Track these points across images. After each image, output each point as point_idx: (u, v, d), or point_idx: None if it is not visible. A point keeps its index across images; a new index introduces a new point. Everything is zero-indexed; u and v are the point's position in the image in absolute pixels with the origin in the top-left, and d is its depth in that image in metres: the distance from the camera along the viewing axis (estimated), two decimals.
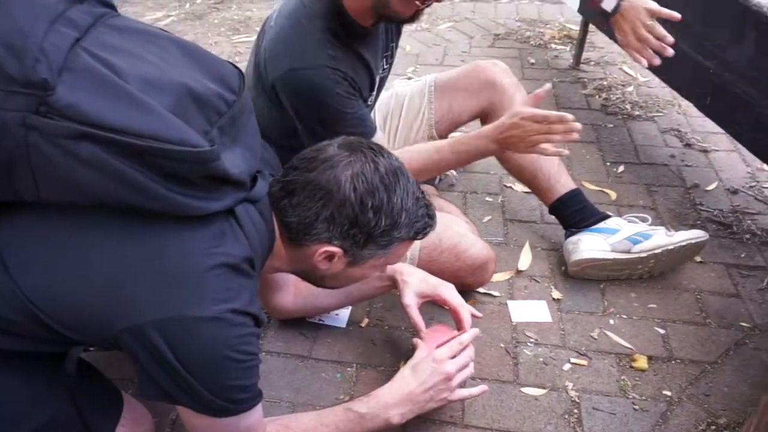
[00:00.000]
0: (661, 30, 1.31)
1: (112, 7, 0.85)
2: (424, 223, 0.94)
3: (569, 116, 1.19)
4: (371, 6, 1.20)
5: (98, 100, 0.71)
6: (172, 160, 0.74)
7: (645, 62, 1.33)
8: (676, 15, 1.29)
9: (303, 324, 1.36)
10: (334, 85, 1.20)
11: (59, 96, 0.69)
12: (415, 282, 1.19)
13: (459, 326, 1.17)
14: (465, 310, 1.17)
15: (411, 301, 1.17)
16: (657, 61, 1.32)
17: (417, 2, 1.18)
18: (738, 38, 1.44)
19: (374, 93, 1.42)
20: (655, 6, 1.32)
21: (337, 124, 1.21)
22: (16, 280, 0.77)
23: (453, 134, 1.79)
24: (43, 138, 0.70)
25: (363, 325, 1.37)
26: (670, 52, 1.30)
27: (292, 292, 1.29)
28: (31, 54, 0.69)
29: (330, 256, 0.91)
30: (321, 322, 1.38)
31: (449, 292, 1.19)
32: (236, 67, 0.90)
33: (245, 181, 0.85)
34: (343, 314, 1.39)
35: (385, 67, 1.46)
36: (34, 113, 0.69)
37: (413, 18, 1.24)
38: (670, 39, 1.29)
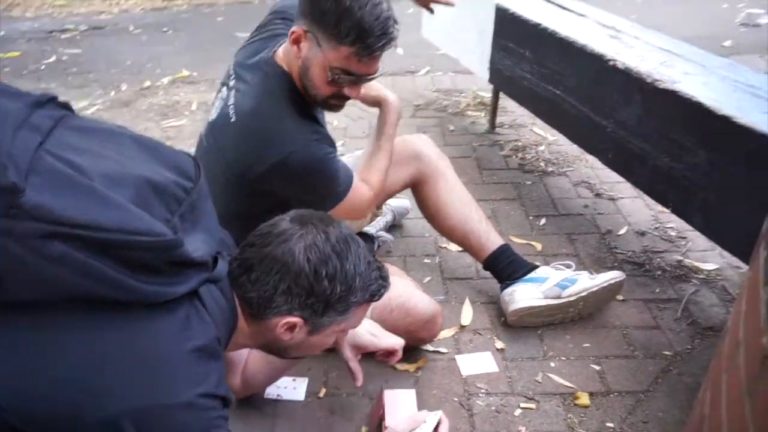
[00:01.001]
0: None
1: (70, 109, 0.91)
2: (378, 285, 1.01)
3: None
4: (302, 85, 1.32)
5: (65, 199, 0.75)
6: (139, 250, 0.78)
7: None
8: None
9: (261, 402, 1.38)
10: (324, 150, 1.33)
11: (28, 198, 0.72)
12: (348, 336, 1.22)
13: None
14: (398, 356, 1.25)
15: (349, 354, 1.23)
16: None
17: (331, 82, 1.29)
18: (627, 101, 1.65)
19: None
20: None
21: (333, 183, 1.35)
22: None
23: (386, 204, 1.91)
24: (12, 240, 0.72)
25: (321, 395, 1.40)
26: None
27: (240, 371, 1.31)
28: (3, 159, 0.73)
29: (291, 327, 0.96)
30: (279, 398, 1.39)
31: (386, 344, 1.25)
32: (191, 156, 0.96)
33: (207, 263, 0.90)
34: (300, 387, 1.42)
35: None
36: (3, 217, 0.72)
37: (336, 105, 1.37)
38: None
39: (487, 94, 3.01)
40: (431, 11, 1.70)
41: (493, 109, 2.67)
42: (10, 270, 0.74)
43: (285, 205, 1.08)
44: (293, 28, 1.27)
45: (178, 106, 3.16)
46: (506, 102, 2.80)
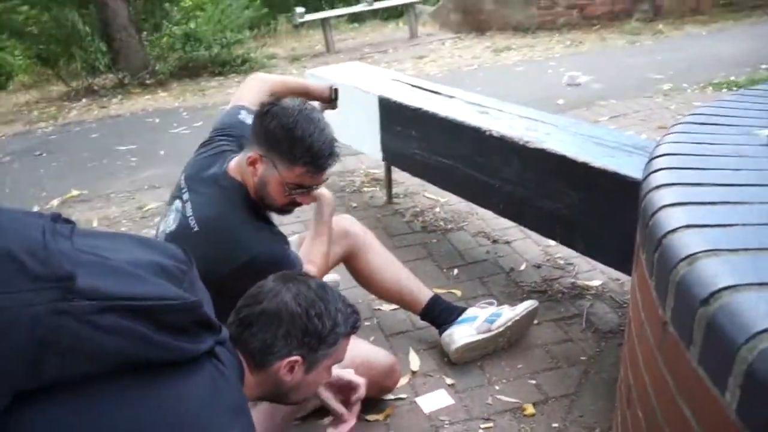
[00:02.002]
0: None
1: (72, 223, 1.05)
2: (354, 318, 1.23)
3: None
4: (258, 196, 1.52)
5: (109, 280, 0.89)
6: (173, 312, 0.93)
7: None
8: None
9: None
10: (283, 248, 1.52)
11: (81, 283, 0.86)
12: None
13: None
14: (363, 386, 1.42)
15: (326, 393, 1.39)
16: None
17: (287, 195, 1.51)
18: (507, 161, 2.02)
19: None
20: None
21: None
22: None
23: (325, 278, 2.10)
24: (72, 319, 0.84)
25: None
26: None
27: None
28: (54, 256, 0.85)
29: (291, 367, 1.13)
30: None
31: (350, 375, 1.43)
32: (180, 246, 1.12)
33: (217, 326, 1.06)
34: None
35: None
36: (62, 300, 0.84)
37: (289, 210, 1.59)
38: None
39: (376, 171, 3.35)
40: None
41: (388, 182, 2.99)
42: (70, 346, 0.85)
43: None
44: (249, 154, 1.49)
45: (79, 225, 3.13)
46: (396, 174, 3.15)
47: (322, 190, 1.75)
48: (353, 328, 1.23)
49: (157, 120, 5.35)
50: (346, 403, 1.43)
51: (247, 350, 1.12)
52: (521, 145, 1.95)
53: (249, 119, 1.66)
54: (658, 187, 1.07)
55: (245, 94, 1.87)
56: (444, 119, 2.26)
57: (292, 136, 1.43)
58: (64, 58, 7.17)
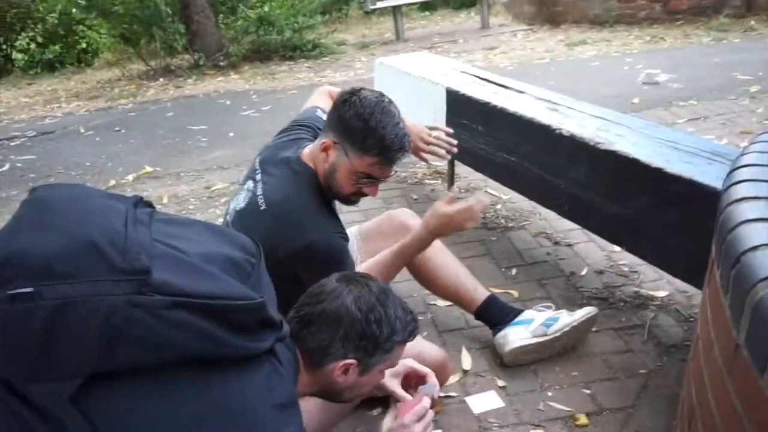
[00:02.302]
0: (444, 136, 1.94)
1: (152, 206, 1.09)
2: (413, 326, 1.22)
3: (484, 201, 1.64)
4: (327, 183, 1.55)
5: (182, 276, 0.93)
6: (239, 312, 0.96)
7: (441, 154, 1.93)
8: (449, 130, 1.97)
9: None
10: (341, 244, 1.54)
11: (156, 277, 0.90)
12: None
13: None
14: (432, 374, 1.42)
15: (394, 383, 1.39)
16: (447, 155, 1.94)
17: (354, 184, 1.52)
18: (574, 161, 1.96)
19: None
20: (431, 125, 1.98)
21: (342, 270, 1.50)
22: None
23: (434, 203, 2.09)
24: (145, 312, 0.89)
25: None
26: (454, 149, 1.94)
27: None
28: (134, 249, 0.90)
29: (346, 370, 1.14)
30: None
31: (413, 362, 1.43)
32: (252, 239, 1.15)
33: (279, 324, 1.08)
34: None
35: None
36: (137, 294, 0.89)
37: (353, 200, 1.60)
38: (453, 141, 1.94)
39: (439, 164, 3.32)
40: (425, 161, 2.03)
41: (451, 176, 2.96)
42: (141, 337, 0.90)
43: (298, 293, 1.24)
44: (323, 140, 1.52)
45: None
46: (459, 168, 3.11)
47: (427, 221, 1.63)
48: (410, 336, 1.22)
49: (228, 102, 5.50)
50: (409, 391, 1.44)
51: (304, 348, 1.14)
52: (591, 146, 1.88)
53: (324, 116, 1.70)
54: (740, 200, 1.00)
55: (317, 100, 1.93)
56: (512, 115, 2.21)
57: (367, 126, 1.46)
58: (145, 38, 7.46)
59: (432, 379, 1.43)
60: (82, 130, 4.91)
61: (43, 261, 0.87)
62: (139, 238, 0.93)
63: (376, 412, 1.63)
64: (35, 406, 0.89)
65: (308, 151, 1.59)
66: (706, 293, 1.15)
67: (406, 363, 1.46)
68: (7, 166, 4.14)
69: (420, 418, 1.28)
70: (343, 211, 2.85)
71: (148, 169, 3.79)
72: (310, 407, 1.44)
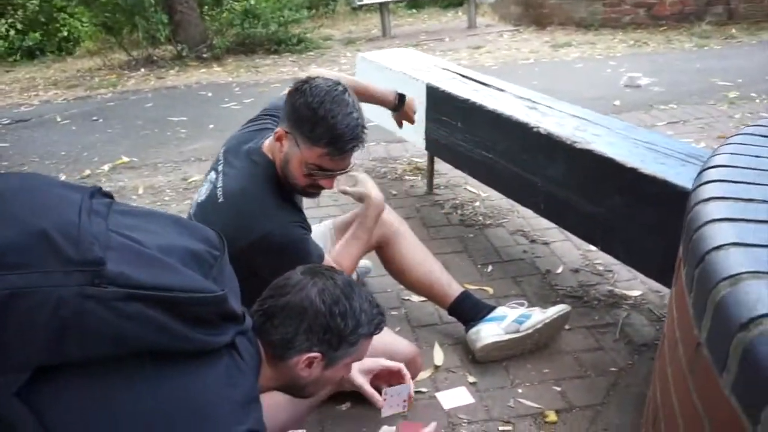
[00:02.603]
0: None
1: (111, 197, 1.06)
2: (379, 319, 1.20)
3: None
4: (283, 174, 1.52)
5: (138, 268, 0.90)
6: (198, 305, 0.94)
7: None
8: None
9: None
10: (299, 232, 1.50)
11: (110, 268, 0.87)
12: (354, 364, 1.39)
13: (404, 380, 1.43)
14: (404, 368, 1.42)
15: (361, 379, 1.39)
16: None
17: (307, 175, 1.49)
18: (551, 160, 1.96)
19: None
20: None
21: (305, 262, 1.44)
22: None
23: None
24: (97, 303, 0.86)
25: None
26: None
27: None
28: (87, 239, 0.88)
29: (310, 363, 1.12)
30: None
31: (385, 360, 1.43)
32: (215, 231, 1.13)
33: (240, 317, 1.05)
34: None
35: None
36: (90, 285, 0.86)
37: (312, 193, 1.57)
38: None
39: (420, 160, 3.32)
40: (400, 126, 2.15)
41: (430, 173, 2.95)
42: (92, 329, 0.87)
43: (260, 285, 1.23)
44: (277, 129, 1.49)
45: (125, 191, 3.23)
46: (439, 165, 3.11)
47: (371, 190, 1.72)
48: (376, 329, 1.21)
49: (210, 94, 5.45)
50: (378, 389, 1.45)
51: (267, 341, 1.12)
52: (568, 145, 1.88)
53: None
54: (707, 199, 1.00)
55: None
56: (490, 112, 2.21)
57: (315, 115, 1.41)
58: (128, 27, 7.36)
59: (405, 376, 1.42)
60: (59, 119, 4.83)
61: None
62: (93, 229, 0.90)
63: (344, 406, 1.61)
64: None
65: (269, 141, 1.56)
66: (673, 292, 1.15)
67: (378, 361, 1.46)
68: None
69: None
70: (319, 205, 2.84)
71: (125, 159, 3.73)
72: (279, 400, 1.42)
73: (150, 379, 0.94)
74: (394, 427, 1.33)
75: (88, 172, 3.56)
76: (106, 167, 3.63)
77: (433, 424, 1.33)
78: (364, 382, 1.41)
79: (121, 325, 0.88)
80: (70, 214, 0.90)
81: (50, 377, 0.90)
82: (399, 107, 2.12)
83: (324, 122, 1.41)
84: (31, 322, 0.85)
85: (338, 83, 1.48)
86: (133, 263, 0.91)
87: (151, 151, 3.89)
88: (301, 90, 1.44)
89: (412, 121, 2.19)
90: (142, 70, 6.70)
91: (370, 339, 1.22)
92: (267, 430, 1.42)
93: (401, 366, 1.47)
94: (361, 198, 1.73)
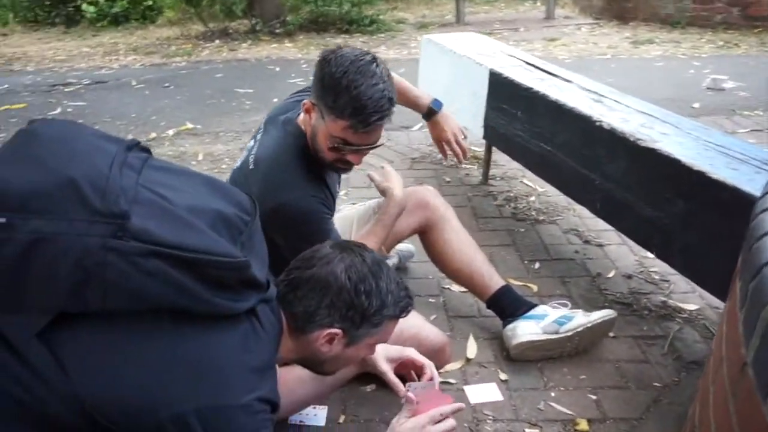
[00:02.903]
0: (465, 146, 1.94)
1: (149, 152, 1.07)
2: (406, 302, 1.16)
3: None
4: (312, 147, 1.49)
5: (162, 225, 0.90)
6: (218, 268, 0.93)
7: (457, 156, 1.91)
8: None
9: (285, 427, 1.47)
10: (318, 208, 1.46)
11: (134, 223, 0.88)
12: (380, 351, 1.38)
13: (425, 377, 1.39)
14: (432, 367, 1.39)
15: (386, 367, 1.36)
16: (454, 161, 1.95)
17: (333, 149, 1.44)
18: (612, 157, 1.85)
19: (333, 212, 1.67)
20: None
21: (319, 239, 1.42)
22: (75, 383, 0.89)
23: (394, 248, 2.05)
24: (119, 257, 0.87)
25: (341, 421, 1.51)
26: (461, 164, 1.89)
27: None
28: (114, 192, 0.88)
29: (331, 339, 1.10)
30: (301, 423, 1.50)
31: (414, 353, 1.40)
32: (249, 195, 1.12)
33: (264, 285, 1.04)
34: (321, 414, 1.52)
35: (338, 191, 1.73)
36: (113, 238, 0.86)
37: (342, 168, 1.52)
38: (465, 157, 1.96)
39: (478, 149, 3.23)
40: (442, 152, 2.02)
41: (486, 162, 2.87)
42: (113, 282, 0.88)
43: (278, 256, 1.21)
44: (305, 100, 1.45)
45: (185, 157, 3.32)
46: (496, 156, 3.01)
47: (395, 186, 1.66)
48: (402, 313, 1.17)
49: (278, 69, 5.51)
50: (403, 378, 1.42)
51: (290, 312, 1.10)
52: (631, 142, 1.76)
53: None
54: None
55: None
56: (553, 102, 2.11)
57: (338, 85, 1.35)
58: (207, 0, 7.53)
59: (430, 372, 1.38)
60: (134, 83, 5.01)
61: (20, 194, 0.86)
62: (122, 182, 0.91)
63: (369, 388, 1.59)
64: (2, 336, 0.89)
65: (304, 113, 1.53)
66: (726, 307, 1.05)
67: (405, 351, 1.42)
68: (58, 110, 4.26)
69: (437, 422, 1.24)
70: (355, 185, 2.81)
71: (189, 125, 3.83)
72: (302, 375, 1.41)
73: (167, 337, 0.94)
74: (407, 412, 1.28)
75: (153, 135, 3.68)
76: (171, 132, 3.73)
77: (457, 405, 1.29)
78: (388, 370, 1.38)
79: (141, 281, 0.89)
80: (101, 165, 0.91)
81: (71, 324, 0.92)
82: (430, 116, 1.96)
83: (347, 93, 1.34)
84: (55, 268, 0.86)
85: (367, 53, 1.41)
86: (158, 220, 0.91)
87: (215, 119, 3.97)
88: (327, 59, 1.39)
89: (448, 142, 1.96)
90: (217, 41, 6.85)
91: (395, 322, 1.19)
92: (287, 403, 1.43)
93: (428, 363, 1.42)
94: (384, 192, 1.68)
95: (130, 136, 3.65)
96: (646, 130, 1.81)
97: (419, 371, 1.44)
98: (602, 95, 2.15)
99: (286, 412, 1.47)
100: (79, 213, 0.87)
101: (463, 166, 3.11)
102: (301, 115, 1.53)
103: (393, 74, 1.96)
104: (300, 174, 1.48)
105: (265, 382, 0.99)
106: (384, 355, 1.40)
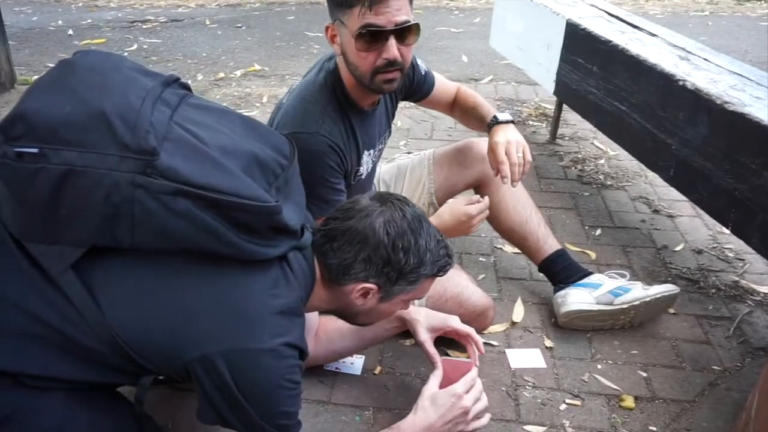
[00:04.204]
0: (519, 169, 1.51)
1: (189, 89, 1.04)
2: (445, 261, 1.11)
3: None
4: (354, 77, 1.37)
5: (190, 164, 0.88)
6: (246, 212, 0.90)
7: (503, 178, 1.51)
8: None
9: (321, 372, 1.48)
10: (326, 153, 1.37)
11: (162, 160, 0.86)
12: (423, 319, 1.35)
13: (469, 350, 1.35)
14: (475, 337, 1.34)
15: (425, 336, 1.33)
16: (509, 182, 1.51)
17: (363, 50, 1.30)
18: (693, 120, 1.69)
19: (363, 167, 1.55)
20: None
21: (318, 188, 1.36)
22: (106, 315, 0.90)
23: (450, 200, 1.98)
24: (147, 194, 0.86)
25: (376, 372, 1.50)
26: (513, 185, 1.52)
27: (312, 340, 1.42)
28: (143, 127, 0.86)
29: (365, 293, 1.07)
30: (338, 370, 1.50)
31: (457, 323, 1.35)
32: (288, 138, 1.08)
33: (297, 231, 1.01)
34: (358, 363, 1.52)
35: (381, 146, 1.64)
36: (141, 174, 0.85)
37: (388, 80, 1.35)
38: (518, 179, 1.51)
39: (548, 106, 3.07)
40: (496, 174, 1.57)
41: (555, 120, 2.72)
42: (141, 219, 0.87)
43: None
44: (326, 24, 1.35)
45: (250, 98, 3.33)
46: (568, 114, 2.85)
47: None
48: (440, 272, 1.12)
49: None
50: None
51: (325, 263, 1.07)
52: (717, 105, 1.60)
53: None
54: None
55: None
56: (632, 57, 1.94)
57: None
58: None
59: (478, 344, 1.34)
60: (208, 23, 5.05)
61: (50, 124, 0.85)
62: (153, 117, 0.88)
63: (408, 342, 1.57)
64: (40, 266, 0.90)
65: (330, 43, 1.42)
66: None
67: (448, 322, 1.37)
68: (134, 47, 4.37)
69: (469, 389, 1.20)
70: (432, 139, 2.72)
71: (257, 67, 3.84)
72: (341, 328, 1.40)
73: (196, 278, 0.93)
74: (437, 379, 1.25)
75: (222, 75, 3.71)
76: (238, 72, 3.75)
77: (474, 371, 1.24)
78: (427, 340, 1.34)
79: (169, 220, 0.87)
80: (133, 99, 0.89)
81: (103, 258, 0.93)
82: (489, 127, 1.62)
83: None
84: (85, 201, 0.86)
85: None
86: (188, 158, 0.88)
87: (282, 62, 3.96)
88: None
89: (502, 162, 1.51)
90: None
91: (432, 280, 1.14)
92: (325, 352, 1.43)
93: (471, 331, 1.37)
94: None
95: (199, 76, 3.70)
96: (736, 93, 1.63)
97: (463, 341, 1.40)
98: (690, 52, 1.96)
99: (323, 360, 1.47)
100: (109, 147, 0.85)
101: (531, 123, 2.96)
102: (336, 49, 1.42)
103: (468, 89, 1.79)
104: (319, 110, 1.39)
105: (294, 328, 0.97)
106: (426, 324, 1.35)
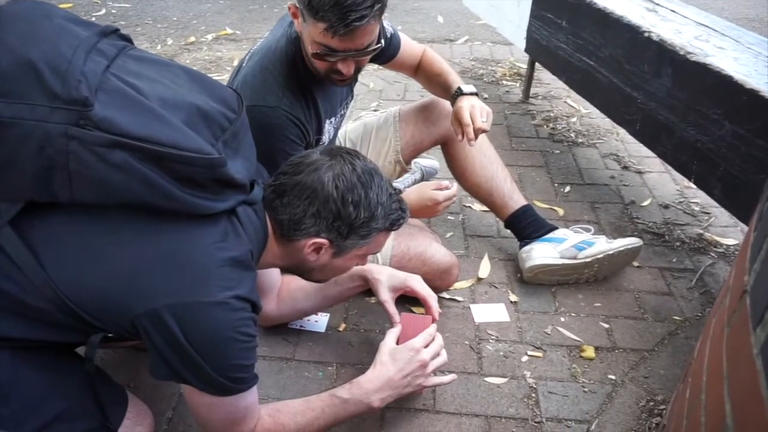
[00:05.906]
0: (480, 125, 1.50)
1: (130, 41, 1.01)
2: (398, 215, 1.10)
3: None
4: (307, 58, 1.35)
5: (127, 115, 0.85)
6: (187, 164, 0.88)
7: (469, 141, 1.49)
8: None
9: (285, 330, 1.49)
10: (286, 127, 1.34)
11: (96, 111, 0.83)
12: (385, 279, 1.34)
13: (428, 312, 1.33)
14: (433, 299, 1.33)
15: (386, 296, 1.32)
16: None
17: (318, 56, 1.28)
18: (658, 73, 1.67)
19: (324, 135, 1.52)
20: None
21: (279, 160, 1.27)
22: (49, 272, 0.89)
23: (415, 162, 1.97)
24: (81, 146, 0.83)
25: (341, 329, 1.50)
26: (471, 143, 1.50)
27: (275, 299, 1.42)
28: (74, 77, 0.83)
29: (317, 248, 1.06)
30: (302, 328, 1.50)
31: (418, 284, 1.35)
32: (236, 91, 1.05)
33: (245, 186, 1.00)
34: (322, 320, 1.52)
35: (342, 112, 1.61)
36: (75, 125, 0.83)
37: (334, 80, 1.35)
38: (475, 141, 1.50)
39: (522, 66, 3.03)
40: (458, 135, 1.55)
41: (528, 78, 2.69)
42: (78, 172, 0.85)
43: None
44: (290, 2, 1.30)
45: (221, 62, 3.26)
46: (542, 74, 2.83)
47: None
48: (393, 226, 1.11)
49: None
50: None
51: (275, 218, 1.05)
52: (680, 56, 1.58)
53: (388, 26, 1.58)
54: None
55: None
56: (600, 11, 1.91)
57: None
58: None
59: (431, 310, 1.33)
60: None
61: None
62: (86, 67, 0.85)
63: (372, 299, 1.57)
64: None
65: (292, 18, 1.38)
66: (746, 236, 0.94)
67: (409, 282, 1.36)
68: (102, 11, 4.24)
69: (428, 343, 1.20)
70: (383, 100, 2.68)
71: (228, 30, 3.75)
72: (305, 286, 1.39)
73: (140, 232, 0.92)
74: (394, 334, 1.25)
75: (192, 39, 3.62)
76: (209, 36, 3.66)
77: (432, 326, 1.25)
78: (388, 299, 1.33)
79: (106, 173, 0.85)
80: (64, 48, 0.85)
81: (43, 216, 0.90)
82: (453, 98, 1.59)
83: None
84: (18, 154, 0.83)
85: None
86: (125, 110, 0.86)
87: (255, 25, 3.87)
88: None
89: (467, 124, 1.49)
90: None
91: (387, 234, 1.13)
92: (289, 311, 1.43)
93: (429, 295, 1.35)
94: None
95: (169, 41, 3.61)
96: (699, 44, 1.62)
97: (422, 301, 1.39)
98: (658, 4, 1.94)
99: (287, 319, 1.47)
100: (39, 98, 0.82)
101: (504, 83, 2.94)
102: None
103: (434, 54, 1.74)
104: (279, 82, 1.34)
105: (244, 281, 0.96)
106: (388, 284, 1.35)
